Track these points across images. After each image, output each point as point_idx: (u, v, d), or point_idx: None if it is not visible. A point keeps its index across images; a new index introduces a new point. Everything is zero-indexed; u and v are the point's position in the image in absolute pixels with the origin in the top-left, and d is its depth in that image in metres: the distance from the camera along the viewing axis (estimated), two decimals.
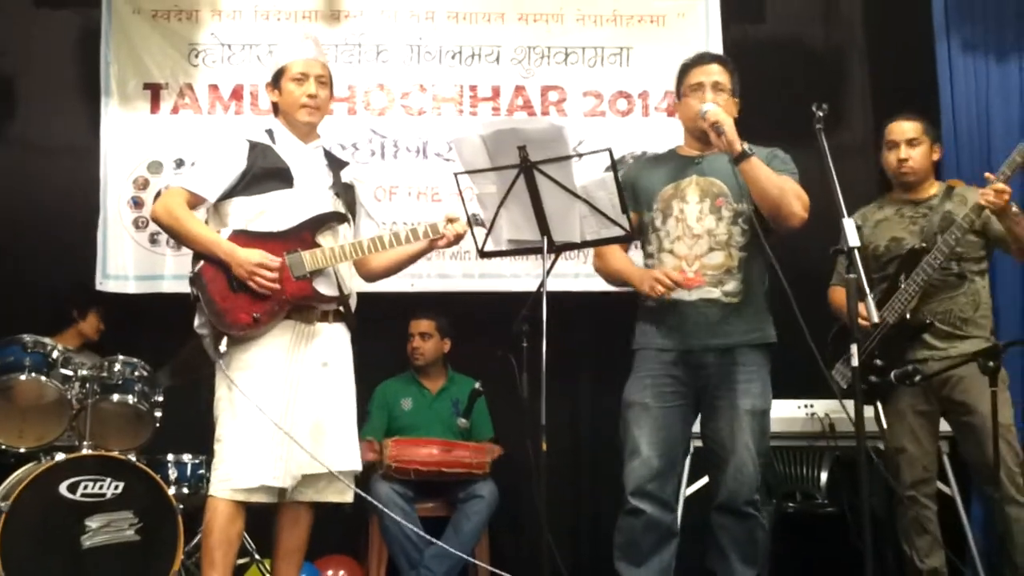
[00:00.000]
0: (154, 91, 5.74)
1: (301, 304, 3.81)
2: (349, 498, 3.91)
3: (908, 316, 4.25)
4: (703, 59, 4.04)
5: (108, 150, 5.67)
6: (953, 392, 4.24)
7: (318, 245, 3.83)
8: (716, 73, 3.94)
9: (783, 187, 3.75)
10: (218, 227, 3.87)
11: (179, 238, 3.94)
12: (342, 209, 3.94)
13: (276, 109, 4.05)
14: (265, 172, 3.85)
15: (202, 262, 3.79)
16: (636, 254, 4.19)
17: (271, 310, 3.75)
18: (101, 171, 5.64)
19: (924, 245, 4.24)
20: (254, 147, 3.89)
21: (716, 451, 3.86)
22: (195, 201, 3.87)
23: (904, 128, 4.46)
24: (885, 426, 4.22)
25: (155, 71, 5.73)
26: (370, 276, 4.14)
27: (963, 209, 4.25)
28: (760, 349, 3.88)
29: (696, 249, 3.84)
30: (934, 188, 4.47)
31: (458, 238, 3.89)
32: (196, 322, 3.85)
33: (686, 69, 4.02)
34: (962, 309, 4.31)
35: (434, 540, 4.68)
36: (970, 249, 4.31)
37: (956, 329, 4.29)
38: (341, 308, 3.91)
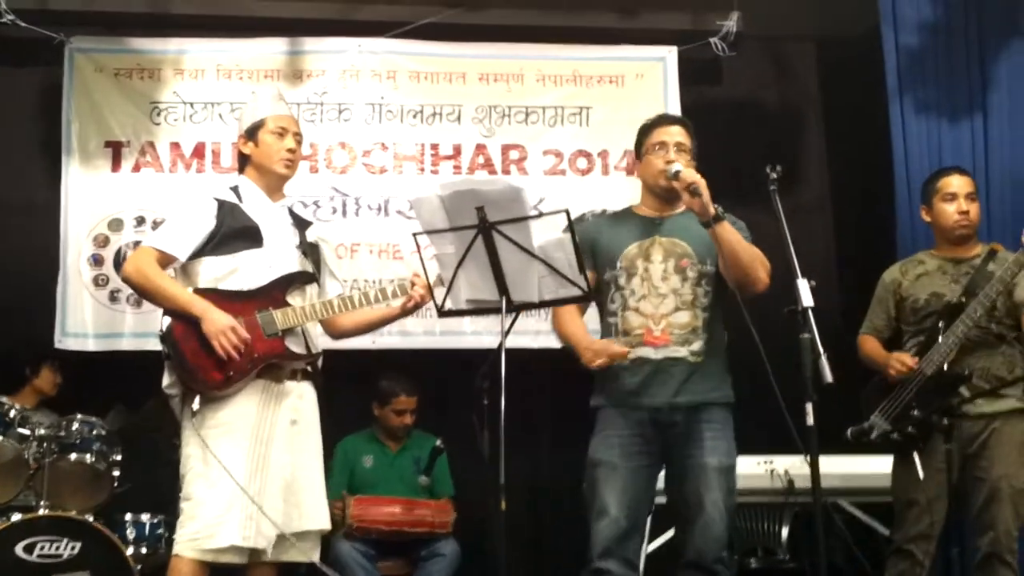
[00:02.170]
0: (115, 149, 5.76)
1: (272, 362, 3.80)
2: (315, 558, 3.88)
3: (945, 368, 4.26)
4: (665, 119, 4.09)
5: (69, 208, 5.67)
6: (980, 447, 4.24)
7: (288, 304, 3.84)
8: (678, 134, 3.97)
9: (752, 253, 3.79)
10: (186, 286, 3.86)
11: (151, 297, 3.90)
12: (309, 268, 3.97)
13: (243, 163, 4.04)
14: (234, 232, 3.85)
15: (172, 320, 3.77)
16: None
17: (243, 368, 3.73)
18: (61, 228, 5.63)
19: (963, 300, 4.24)
20: (222, 206, 3.89)
21: (683, 509, 3.84)
22: (165, 260, 3.86)
23: (963, 182, 4.42)
24: (921, 475, 4.20)
25: (116, 129, 5.75)
26: (337, 334, 4.15)
27: None
28: (724, 407, 3.89)
29: (662, 308, 3.86)
30: (978, 248, 4.44)
31: (425, 298, 3.90)
32: (165, 381, 3.82)
33: (648, 129, 4.05)
34: (998, 368, 4.29)
35: None
36: (1009, 312, 4.30)
37: (993, 385, 4.26)
38: (309, 367, 3.92)
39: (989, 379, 4.27)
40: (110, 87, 5.78)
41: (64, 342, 5.55)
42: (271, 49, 5.86)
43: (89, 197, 5.70)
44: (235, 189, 3.97)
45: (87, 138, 5.72)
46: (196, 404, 3.76)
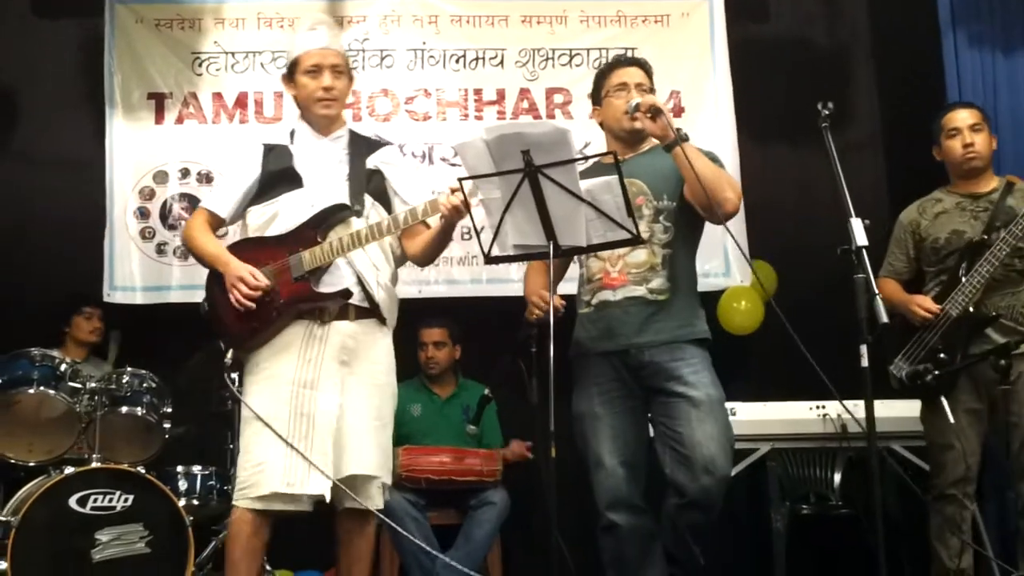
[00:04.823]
0: (159, 100, 5.75)
1: (301, 306, 3.72)
2: (379, 504, 3.78)
3: (972, 309, 4.19)
4: (624, 61, 4.04)
5: (114, 161, 5.69)
6: (1010, 392, 4.15)
7: (321, 243, 3.73)
8: (638, 76, 3.93)
9: (718, 172, 3.72)
10: (241, 238, 3.86)
11: (195, 257, 3.92)
12: (347, 199, 3.79)
13: (298, 103, 3.95)
14: (274, 176, 3.80)
15: (209, 276, 3.80)
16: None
17: (267, 317, 3.69)
18: (107, 182, 5.65)
19: (986, 238, 4.17)
20: (269, 151, 3.85)
21: (678, 448, 3.72)
22: (215, 220, 3.86)
23: (964, 115, 4.36)
24: (951, 419, 4.14)
25: (159, 81, 5.74)
26: (416, 262, 4.01)
27: None
28: (696, 344, 3.81)
29: (619, 250, 3.77)
30: (994, 182, 4.37)
31: (460, 208, 3.61)
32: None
33: (606, 72, 4.01)
34: None
35: (439, 554, 4.64)
36: None
37: (1020, 324, 4.20)
38: (365, 304, 3.77)
39: (1015, 317, 4.20)
40: (151, 38, 5.76)
41: (113, 295, 5.59)
42: None
43: (134, 150, 5.70)
44: (292, 133, 3.91)
45: (130, 90, 5.72)
46: (229, 357, 3.76)
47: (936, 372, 4.18)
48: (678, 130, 3.64)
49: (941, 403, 4.18)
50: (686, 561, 3.76)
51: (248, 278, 3.66)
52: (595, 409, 3.83)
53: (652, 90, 3.91)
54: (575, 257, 3.97)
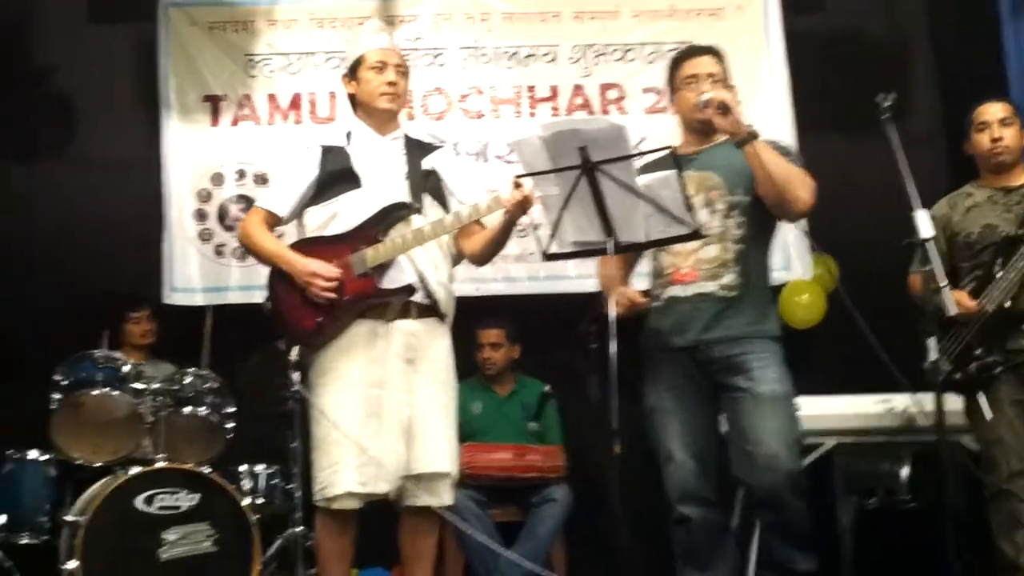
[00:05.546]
0: (214, 103, 5.79)
1: (366, 303, 3.75)
2: (448, 501, 3.82)
3: (1008, 305, 4.13)
4: (694, 51, 3.96)
5: (170, 163, 5.73)
6: None
7: (381, 241, 3.75)
8: (709, 65, 3.86)
9: (789, 170, 3.65)
10: (300, 238, 3.89)
11: (255, 256, 3.96)
12: (408, 199, 3.81)
13: (353, 103, 3.98)
14: (333, 176, 3.82)
15: (271, 276, 3.83)
16: None
17: (333, 314, 3.72)
18: (164, 185, 5.69)
19: (1021, 233, 4.11)
20: (327, 152, 3.87)
21: (744, 445, 3.70)
22: (273, 219, 3.88)
23: (994, 108, 4.30)
24: (988, 416, 4.09)
25: (213, 83, 5.78)
26: (473, 260, 4.01)
27: None
28: (765, 341, 3.76)
29: (691, 244, 3.73)
30: None
31: (525, 203, 3.58)
32: None
33: (677, 62, 3.95)
34: None
35: (502, 550, 4.64)
36: None
37: None
38: (426, 301, 3.80)
39: None
40: (205, 41, 5.80)
41: (172, 297, 5.64)
42: None
43: (190, 152, 5.75)
44: (348, 134, 3.93)
45: (185, 93, 5.76)
46: (294, 354, 3.79)
47: (970, 369, 4.12)
48: (749, 127, 3.59)
49: (978, 400, 4.11)
50: (779, 567, 3.70)
51: (322, 271, 3.68)
52: (665, 404, 3.81)
53: (726, 79, 3.86)
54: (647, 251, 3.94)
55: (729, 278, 3.75)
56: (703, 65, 3.86)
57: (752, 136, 3.58)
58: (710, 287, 3.75)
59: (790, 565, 3.68)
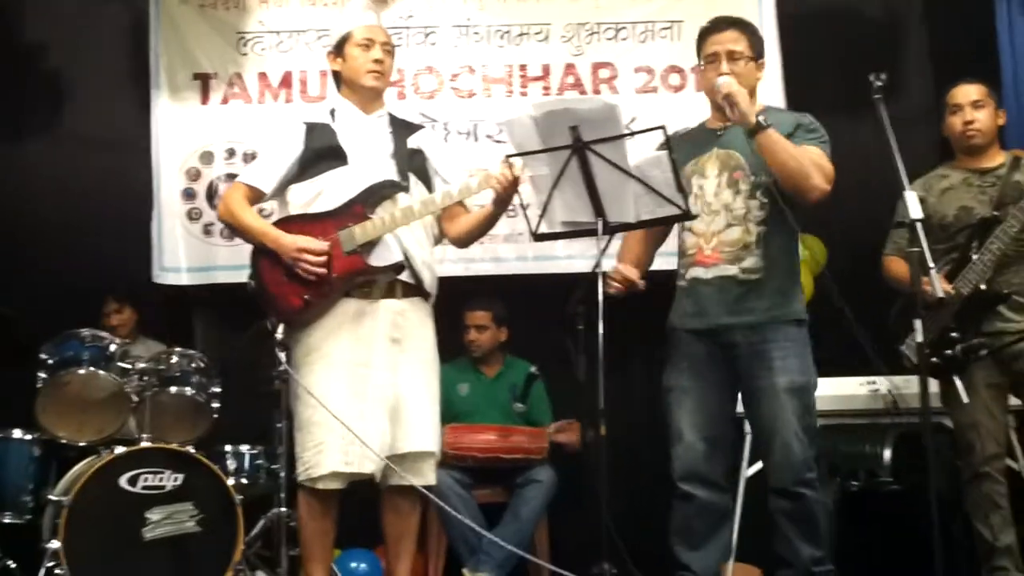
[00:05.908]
0: (204, 81, 5.75)
1: (355, 280, 3.74)
2: (429, 480, 3.82)
3: (983, 287, 4.12)
4: (715, 26, 3.89)
5: (160, 142, 5.70)
6: None
7: (369, 218, 3.74)
8: (730, 41, 3.79)
9: (801, 160, 3.61)
10: (283, 215, 3.87)
11: (236, 232, 3.97)
12: (396, 177, 3.82)
13: (337, 80, 3.98)
14: (318, 153, 3.81)
15: (255, 253, 3.81)
16: None
17: (321, 291, 3.71)
18: (153, 163, 5.67)
19: (996, 214, 4.11)
20: (311, 129, 3.85)
21: (760, 433, 3.79)
22: (254, 195, 3.86)
23: (967, 91, 4.29)
24: (965, 399, 4.09)
25: (204, 61, 5.74)
26: (457, 242, 4.03)
27: None
28: (790, 324, 3.75)
29: (713, 226, 3.74)
30: (1000, 157, 4.31)
31: (515, 183, 3.61)
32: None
33: (700, 38, 3.91)
34: None
35: (485, 532, 4.64)
36: None
37: None
38: (411, 281, 3.81)
39: None
40: (196, 18, 5.76)
41: (161, 277, 5.62)
42: None
43: (179, 131, 5.71)
44: (332, 111, 3.91)
45: (175, 71, 5.72)
46: (280, 332, 3.76)
47: (947, 353, 4.11)
48: (758, 118, 3.56)
49: (954, 383, 4.11)
50: (792, 559, 3.71)
51: (310, 246, 3.67)
52: (682, 383, 3.81)
53: (751, 54, 3.79)
54: (675, 228, 3.94)
55: (751, 261, 3.73)
56: (723, 41, 3.80)
57: (760, 127, 3.55)
58: (731, 270, 3.74)
59: (798, 554, 3.69)
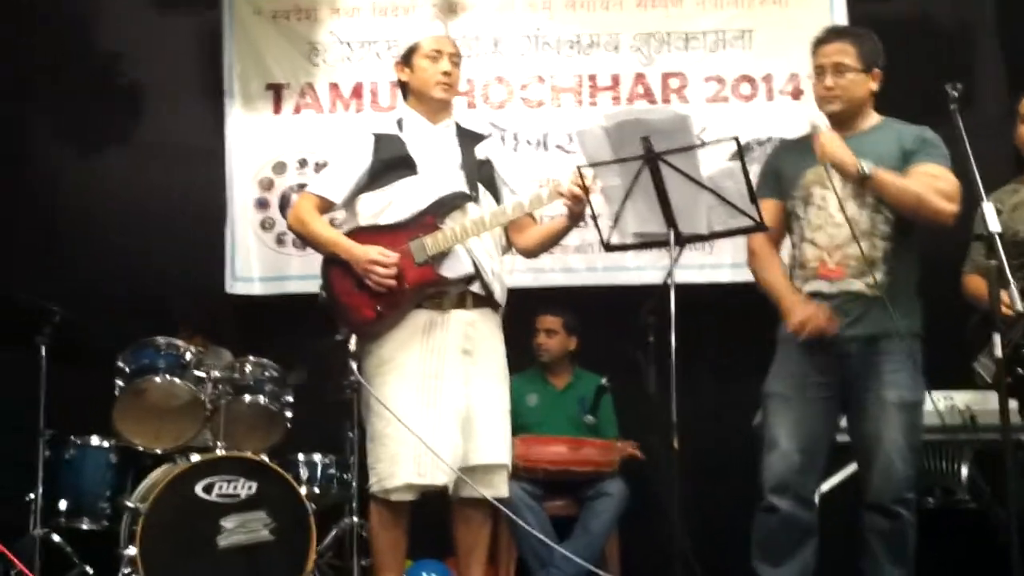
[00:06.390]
0: (276, 91, 5.80)
1: (427, 291, 3.75)
2: (504, 492, 3.83)
3: None
4: (822, 38, 3.83)
5: (233, 151, 5.76)
6: None
7: (439, 228, 3.75)
8: (835, 53, 3.73)
9: (918, 192, 3.56)
10: (353, 227, 3.88)
11: (309, 243, 3.98)
12: (466, 188, 3.82)
13: (405, 91, 3.99)
14: (387, 163, 3.82)
15: (326, 263, 3.83)
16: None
17: (393, 302, 3.72)
18: (226, 172, 5.73)
19: None
20: (379, 139, 3.86)
21: (863, 447, 3.70)
22: (324, 206, 3.88)
23: None
24: None
25: (276, 71, 5.79)
26: (525, 253, 4.05)
27: None
28: (905, 339, 3.67)
29: (838, 239, 3.66)
30: None
31: (585, 193, 3.60)
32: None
33: (813, 48, 3.85)
34: None
35: (556, 545, 4.61)
36: None
37: None
38: (482, 292, 3.80)
39: None
40: (268, 29, 5.81)
41: (234, 287, 5.68)
42: None
43: (252, 140, 5.77)
44: (399, 122, 3.92)
45: (248, 81, 5.78)
46: (352, 344, 3.78)
47: (1017, 370, 4.02)
48: (859, 170, 3.52)
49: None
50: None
51: (381, 258, 3.68)
52: (787, 392, 3.75)
53: (862, 65, 3.73)
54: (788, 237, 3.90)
55: (877, 276, 3.65)
56: (828, 54, 3.75)
57: (864, 177, 3.52)
58: (856, 285, 3.68)
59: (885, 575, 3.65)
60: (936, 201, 3.58)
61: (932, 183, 3.61)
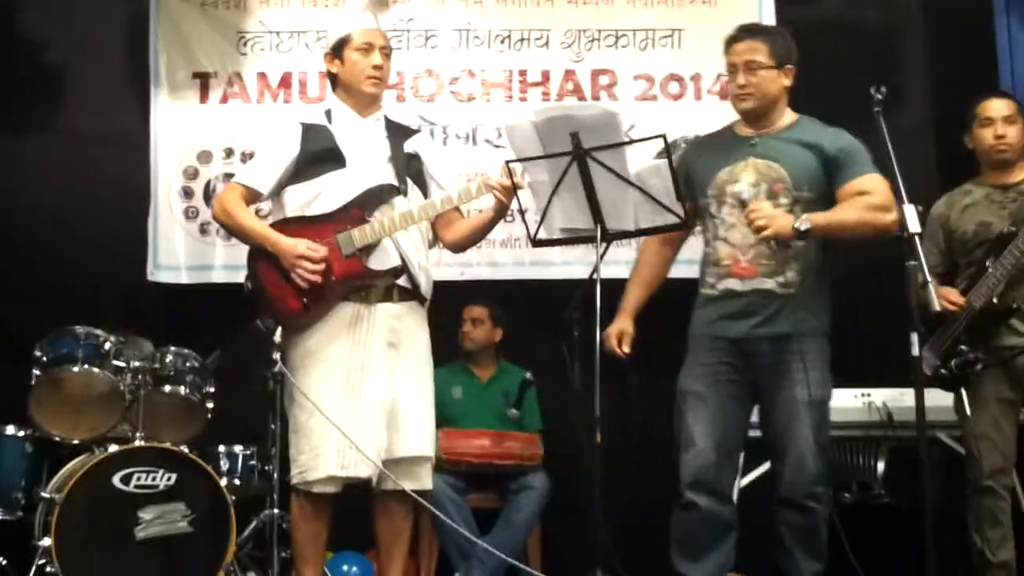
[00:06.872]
0: (203, 80, 5.74)
1: (354, 283, 3.74)
2: (428, 485, 3.84)
3: (995, 301, 4.12)
4: (734, 37, 3.87)
5: (158, 140, 5.69)
6: None
7: (367, 221, 3.74)
8: (746, 51, 3.78)
9: (858, 220, 3.64)
10: (280, 217, 3.86)
11: (233, 233, 3.95)
12: (395, 180, 3.82)
13: (334, 82, 3.96)
14: (315, 154, 3.80)
15: (253, 254, 3.80)
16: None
17: (320, 294, 3.70)
18: (151, 161, 5.66)
19: (1013, 229, 4.11)
20: (308, 130, 3.84)
21: (774, 443, 3.76)
22: (250, 196, 3.85)
23: (999, 105, 4.30)
24: (968, 412, 4.10)
25: (204, 60, 5.73)
26: (452, 247, 4.05)
27: None
28: (815, 337, 3.74)
29: (751, 237, 3.69)
30: (1023, 173, 4.32)
31: (514, 188, 3.59)
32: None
33: (725, 47, 3.89)
34: None
35: (477, 539, 4.62)
36: None
37: None
38: (408, 285, 3.80)
39: None
40: (196, 17, 5.75)
41: (157, 275, 5.61)
42: None
43: (178, 129, 5.70)
44: (327, 112, 3.90)
45: (175, 69, 5.71)
46: (278, 335, 3.77)
47: (955, 365, 4.12)
48: (795, 229, 3.54)
49: (961, 395, 4.14)
50: (791, 573, 3.72)
51: (309, 253, 3.66)
52: (700, 389, 3.78)
53: (773, 62, 3.77)
54: (697, 234, 3.95)
55: (788, 275, 3.72)
56: (739, 52, 3.80)
57: (802, 235, 3.55)
58: (768, 284, 3.73)
59: (799, 568, 3.71)
60: (876, 218, 3.64)
61: (867, 202, 3.67)
